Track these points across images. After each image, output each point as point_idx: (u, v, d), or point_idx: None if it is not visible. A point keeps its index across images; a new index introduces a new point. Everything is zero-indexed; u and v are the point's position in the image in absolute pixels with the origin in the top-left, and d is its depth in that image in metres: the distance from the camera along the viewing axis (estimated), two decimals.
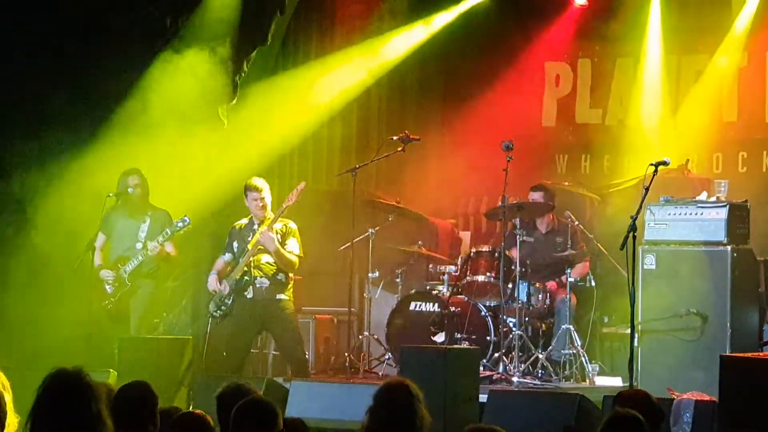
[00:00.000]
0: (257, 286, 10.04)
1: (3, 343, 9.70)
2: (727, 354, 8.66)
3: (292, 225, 10.12)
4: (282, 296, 10.06)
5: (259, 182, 10.10)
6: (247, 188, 10.08)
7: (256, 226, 10.08)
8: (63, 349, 9.51)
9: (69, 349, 9.53)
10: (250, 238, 10.07)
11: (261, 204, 10.00)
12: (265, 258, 10.01)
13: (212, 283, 10.13)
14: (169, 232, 10.06)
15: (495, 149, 10.59)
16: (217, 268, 10.26)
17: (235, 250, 10.20)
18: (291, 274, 10.13)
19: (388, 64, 12.90)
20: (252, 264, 10.01)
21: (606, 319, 11.33)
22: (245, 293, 10.06)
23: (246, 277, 10.01)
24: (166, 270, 10.69)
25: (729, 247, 9.29)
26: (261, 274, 10.03)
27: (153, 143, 10.76)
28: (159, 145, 10.79)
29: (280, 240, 9.97)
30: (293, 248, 10.03)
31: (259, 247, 9.96)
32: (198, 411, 5.26)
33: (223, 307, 10.09)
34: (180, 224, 10.05)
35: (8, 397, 5.09)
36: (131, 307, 10.25)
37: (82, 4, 10.74)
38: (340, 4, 13.18)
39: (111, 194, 10.24)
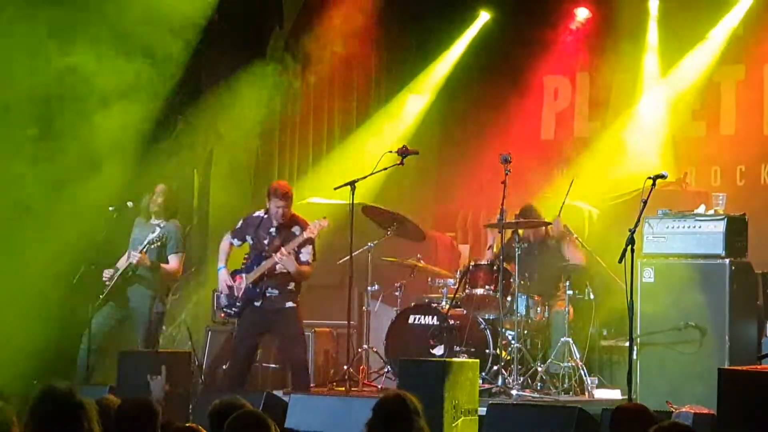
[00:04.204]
0: (267, 295, 10.05)
1: None
2: (726, 367, 8.67)
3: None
4: (290, 304, 10.08)
5: (286, 190, 10.06)
6: (274, 193, 10.03)
7: (273, 229, 10.08)
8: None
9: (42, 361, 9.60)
10: (266, 240, 10.06)
11: (282, 212, 10.01)
12: (279, 267, 10.01)
13: (225, 279, 10.12)
14: (145, 243, 10.07)
15: (493, 162, 10.62)
16: (224, 250, 10.25)
17: (249, 241, 10.19)
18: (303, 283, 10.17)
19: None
20: (265, 273, 10.02)
21: (605, 332, 11.33)
22: (255, 302, 10.07)
23: (259, 287, 10.01)
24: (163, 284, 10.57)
25: (727, 261, 9.30)
26: (272, 283, 10.05)
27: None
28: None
29: (297, 248, 9.97)
30: (307, 258, 10.06)
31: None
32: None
33: (234, 308, 10.10)
34: (151, 236, 10.07)
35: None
36: (138, 322, 10.21)
37: None
38: (338, 18, 13.24)
39: (111, 207, 10.27)
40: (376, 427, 5.34)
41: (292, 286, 10.10)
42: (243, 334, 10.19)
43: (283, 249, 9.92)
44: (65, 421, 4.41)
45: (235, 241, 10.30)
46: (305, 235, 9.97)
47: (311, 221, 10.10)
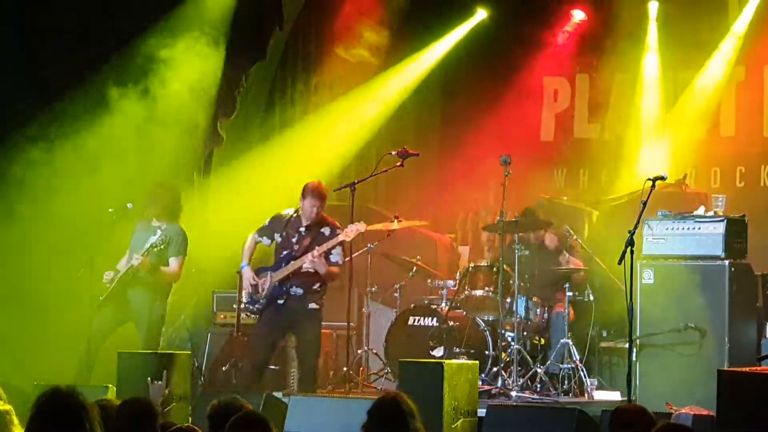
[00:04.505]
0: (291, 294, 10.04)
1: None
2: (725, 368, 8.67)
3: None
4: (313, 305, 10.06)
5: (323, 191, 10.01)
6: (311, 193, 9.98)
7: (302, 229, 10.07)
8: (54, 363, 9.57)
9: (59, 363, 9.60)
10: (295, 238, 10.05)
11: (316, 211, 9.99)
12: (306, 266, 10.01)
13: (249, 276, 10.12)
14: (147, 246, 10.06)
15: (493, 164, 10.62)
16: (248, 249, 10.23)
17: (277, 239, 10.18)
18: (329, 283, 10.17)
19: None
20: (291, 273, 10.01)
21: (604, 334, 11.35)
22: (278, 300, 10.06)
23: (284, 285, 10.00)
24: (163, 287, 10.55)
25: (727, 262, 9.29)
26: (298, 282, 10.04)
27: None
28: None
29: (327, 249, 9.99)
30: (337, 259, 10.04)
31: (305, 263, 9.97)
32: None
33: (257, 305, 10.08)
34: (153, 239, 10.07)
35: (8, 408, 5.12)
36: (139, 323, 10.23)
37: None
38: (338, 19, 13.25)
39: (110, 209, 10.26)
40: (371, 430, 5.33)
41: (317, 286, 10.06)
42: (262, 332, 10.16)
43: (315, 251, 9.90)
44: (67, 422, 4.42)
45: (265, 240, 10.24)
46: (339, 237, 9.93)
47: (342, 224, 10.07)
